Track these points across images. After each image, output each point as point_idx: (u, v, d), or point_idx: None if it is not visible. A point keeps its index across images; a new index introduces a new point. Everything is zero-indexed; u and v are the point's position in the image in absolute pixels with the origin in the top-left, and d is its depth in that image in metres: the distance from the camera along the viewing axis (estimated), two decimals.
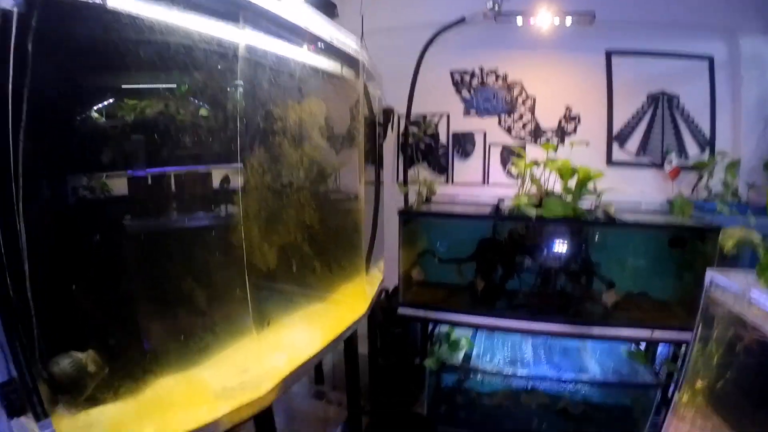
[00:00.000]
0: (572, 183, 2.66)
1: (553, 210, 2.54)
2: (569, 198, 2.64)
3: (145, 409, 1.48)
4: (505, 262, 2.88)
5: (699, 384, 2.20)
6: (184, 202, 1.73)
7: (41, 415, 1.16)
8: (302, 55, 2.07)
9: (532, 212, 2.51)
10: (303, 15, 1.96)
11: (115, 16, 1.38)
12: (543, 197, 2.69)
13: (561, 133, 3.38)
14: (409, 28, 3.42)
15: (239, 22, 1.65)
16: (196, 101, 1.66)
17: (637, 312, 2.75)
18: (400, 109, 3.41)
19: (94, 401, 1.39)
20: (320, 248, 2.19)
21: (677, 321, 2.61)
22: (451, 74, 3.51)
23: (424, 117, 3.56)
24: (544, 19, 3.11)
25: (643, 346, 3.04)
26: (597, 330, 2.64)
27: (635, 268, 2.90)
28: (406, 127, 3.43)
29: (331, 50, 2.23)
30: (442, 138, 3.57)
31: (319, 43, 2.11)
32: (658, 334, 2.59)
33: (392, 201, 3.40)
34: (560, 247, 2.77)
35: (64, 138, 1.45)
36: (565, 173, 2.62)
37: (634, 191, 3.14)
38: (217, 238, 1.71)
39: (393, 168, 3.70)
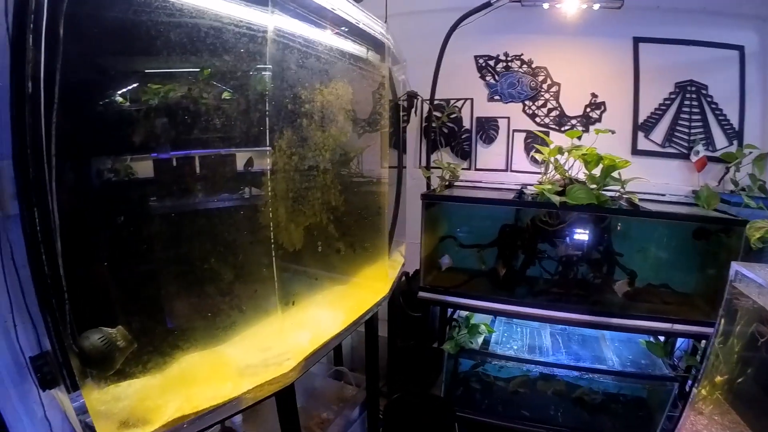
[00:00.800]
0: (596, 171, 2.65)
1: (577, 197, 2.54)
2: (593, 186, 2.64)
3: (170, 383, 1.53)
4: (526, 249, 2.89)
5: (718, 378, 2.20)
6: (215, 183, 1.76)
7: (72, 387, 1.22)
8: (329, 38, 2.09)
9: (556, 199, 2.51)
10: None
11: None
12: (567, 184, 2.68)
13: (586, 121, 3.35)
14: (433, 12, 3.40)
15: (268, 5, 1.66)
16: (225, 84, 1.69)
17: (658, 304, 2.74)
18: (424, 93, 3.40)
19: (122, 375, 1.44)
20: (344, 230, 2.22)
21: (698, 314, 2.60)
22: (476, 59, 3.49)
23: (448, 101, 3.55)
24: (572, 5, 3.07)
25: (662, 338, 3.03)
26: (616, 321, 2.64)
27: (657, 259, 2.89)
28: (429, 112, 3.42)
29: (357, 33, 2.24)
30: (466, 123, 3.56)
31: (346, 26, 2.12)
32: (678, 327, 2.58)
33: (415, 185, 3.42)
34: (582, 235, 2.77)
35: (97, 121, 1.49)
36: (590, 161, 2.61)
37: (658, 181, 3.11)
38: (246, 218, 1.75)
39: (416, 152, 3.70)
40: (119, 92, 1.52)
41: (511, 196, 2.98)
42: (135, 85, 1.51)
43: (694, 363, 2.74)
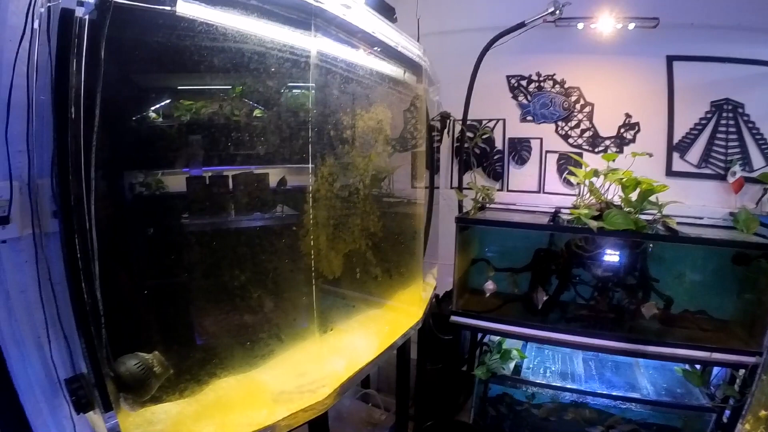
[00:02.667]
0: (633, 195, 2.64)
1: (615, 223, 2.52)
2: (629, 209, 2.62)
3: (205, 409, 1.55)
4: (561, 274, 2.87)
5: (763, 413, 2.17)
6: (255, 211, 1.79)
7: (105, 409, 1.24)
8: (369, 61, 2.11)
9: (594, 224, 2.50)
10: (370, 21, 2.00)
11: (188, 23, 1.45)
12: (603, 208, 2.67)
13: (620, 142, 3.33)
14: (466, 32, 3.44)
15: (311, 29, 1.69)
16: (269, 110, 1.71)
17: (694, 330, 2.71)
18: (456, 113, 3.42)
19: (156, 399, 1.46)
20: (382, 255, 2.23)
21: (737, 342, 2.56)
22: (508, 79, 3.51)
23: (480, 122, 3.57)
24: (606, 24, 3.08)
25: (698, 366, 2.99)
26: (652, 349, 2.59)
27: (694, 285, 2.85)
28: (462, 132, 3.43)
29: (395, 56, 2.27)
30: (498, 144, 3.57)
31: (385, 49, 2.15)
32: (717, 356, 2.53)
33: (446, 205, 3.43)
34: (618, 260, 2.75)
35: (141, 144, 1.52)
36: (628, 185, 2.59)
37: (694, 203, 3.09)
38: (287, 246, 1.76)
39: (447, 173, 3.72)
40: (163, 117, 1.56)
41: (545, 219, 2.97)
42: (169, 102, 1.57)
43: (732, 393, 2.69)
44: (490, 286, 2.99)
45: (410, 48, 2.33)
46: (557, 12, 2.78)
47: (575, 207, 2.80)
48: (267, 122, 1.70)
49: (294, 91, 1.77)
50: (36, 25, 1.41)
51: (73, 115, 1.12)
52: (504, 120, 3.55)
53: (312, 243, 1.73)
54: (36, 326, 1.43)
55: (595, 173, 2.76)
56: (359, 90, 2.04)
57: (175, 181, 1.62)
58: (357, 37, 1.98)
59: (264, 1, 1.57)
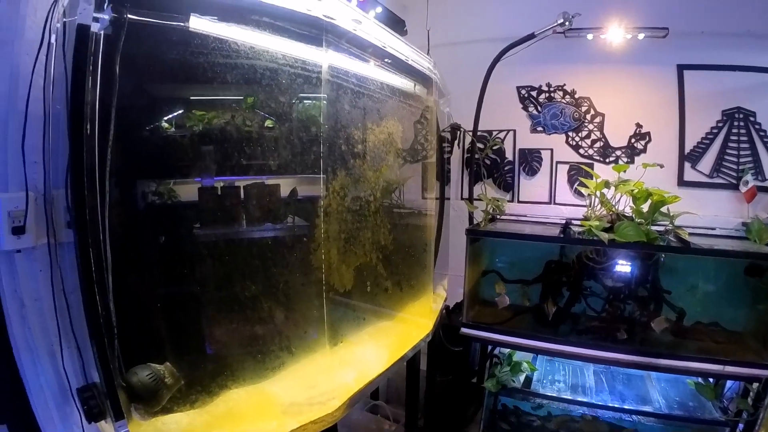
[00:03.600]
0: (645, 206, 2.63)
1: (627, 235, 2.52)
2: (641, 221, 2.61)
3: (215, 420, 1.56)
4: (572, 286, 2.87)
5: None
6: (266, 222, 1.81)
7: (116, 417, 1.26)
8: (380, 75, 2.13)
9: (605, 236, 2.50)
10: (380, 35, 2.02)
11: (202, 38, 1.47)
12: (614, 220, 2.67)
13: (630, 152, 3.34)
14: (476, 43, 3.47)
15: (322, 45, 1.71)
16: (281, 125, 1.73)
17: (707, 342, 2.69)
18: (466, 123, 3.43)
19: (167, 410, 1.47)
20: (392, 268, 2.24)
21: (751, 355, 2.54)
22: (518, 90, 3.53)
23: (490, 133, 3.58)
24: (616, 35, 3.09)
25: (711, 379, 2.97)
26: (665, 362, 2.57)
27: (707, 296, 2.84)
28: (472, 143, 3.44)
29: (406, 69, 2.29)
30: (508, 155, 3.59)
31: (396, 62, 2.17)
32: (730, 369, 2.51)
33: (456, 216, 3.44)
34: (630, 272, 2.75)
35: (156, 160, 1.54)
36: (639, 197, 2.59)
37: (706, 213, 3.07)
38: (298, 259, 1.78)
39: (458, 184, 3.75)
40: (176, 127, 1.58)
41: (556, 230, 2.97)
42: (181, 112, 1.59)
43: (745, 407, 2.67)
44: (503, 299, 2.99)
45: (420, 61, 2.35)
46: (567, 23, 2.80)
47: (586, 218, 2.79)
48: (279, 135, 1.72)
49: (305, 104, 1.79)
50: (53, 40, 1.45)
51: (88, 131, 1.15)
52: (514, 131, 3.57)
53: (323, 257, 1.74)
54: (49, 334, 1.45)
55: (606, 184, 2.76)
56: (370, 104, 2.06)
57: (188, 191, 1.65)
58: (368, 51, 2.00)
59: (275, 17, 1.59)
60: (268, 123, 1.73)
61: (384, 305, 2.29)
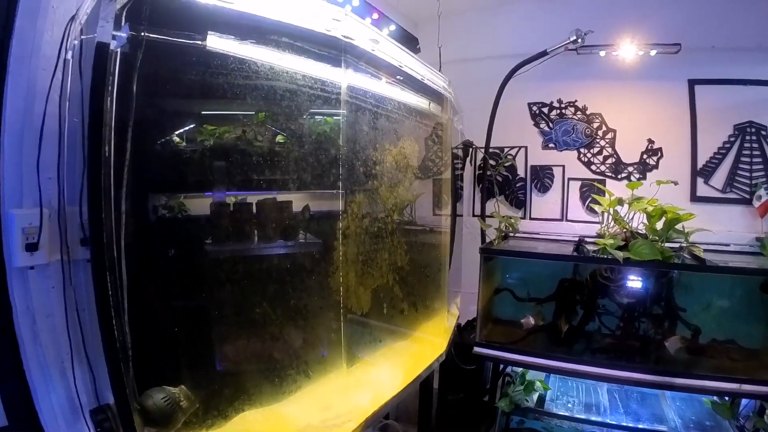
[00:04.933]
0: (659, 224, 2.63)
1: (641, 253, 2.51)
2: (654, 238, 2.61)
3: None
4: (586, 304, 2.86)
5: None
6: (281, 242, 1.81)
7: None
8: (396, 94, 2.14)
9: (620, 255, 2.49)
10: (397, 54, 2.03)
11: (220, 58, 1.49)
12: (628, 238, 2.66)
13: (642, 168, 3.34)
14: (487, 59, 3.50)
15: (341, 65, 1.73)
16: (300, 147, 1.74)
17: (723, 360, 2.67)
18: (477, 140, 3.45)
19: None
20: (409, 288, 2.24)
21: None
22: (529, 106, 3.55)
23: (501, 149, 3.59)
24: (628, 51, 3.10)
25: (728, 397, 2.94)
26: (680, 381, 2.55)
27: (722, 313, 2.82)
28: (484, 160, 3.45)
29: (421, 88, 2.30)
30: (520, 171, 3.60)
31: (411, 81, 2.18)
32: (747, 387, 2.49)
33: (468, 233, 3.44)
34: (644, 290, 2.74)
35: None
36: (654, 215, 2.59)
37: (720, 228, 3.05)
38: (317, 282, 1.78)
39: (469, 200, 3.75)
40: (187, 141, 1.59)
41: (568, 247, 2.97)
42: (193, 127, 1.60)
43: (762, 425, 2.65)
44: (528, 320, 2.97)
45: (435, 80, 2.36)
46: (579, 40, 2.81)
47: (600, 236, 2.79)
48: (295, 154, 1.73)
49: (321, 123, 1.80)
50: (69, 56, 1.46)
51: (107, 153, 1.15)
52: (526, 147, 3.58)
53: (341, 280, 1.74)
54: (60, 352, 1.46)
55: (620, 202, 2.76)
56: (387, 124, 2.07)
57: (202, 205, 1.66)
58: (384, 70, 2.01)
59: (295, 38, 1.60)
60: (280, 138, 1.73)
61: (399, 325, 2.29)
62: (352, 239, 1.81)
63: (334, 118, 1.77)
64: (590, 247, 2.86)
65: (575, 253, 2.85)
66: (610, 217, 2.81)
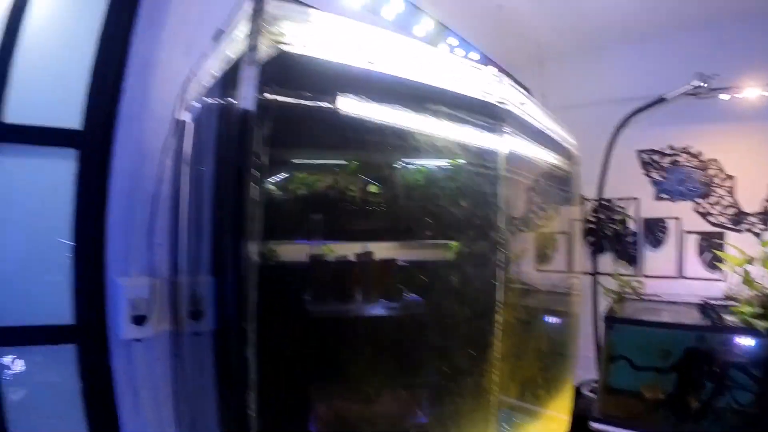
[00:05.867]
0: None
1: None
2: None
3: None
4: (715, 377, 2.58)
5: None
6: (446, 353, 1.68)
7: None
8: (537, 154, 2.01)
9: (761, 326, 2.23)
10: (537, 114, 1.88)
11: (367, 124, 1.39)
12: (766, 303, 2.39)
13: (766, 218, 3.03)
14: (590, 106, 3.29)
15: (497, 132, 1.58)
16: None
17: None
18: (584, 190, 3.23)
19: None
20: (548, 374, 2.06)
21: None
22: (639, 154, 3.31)
23: (609, 201, 3.38)
24: (752, 93, 2.85)
25: None
26: None
27: None
28: (594, 213, 3.24)
29: (553, 147, 2.15)
30: (630, 224, 3.35)
31: (546, 140, 2.03)
32: None
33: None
34: None
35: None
36: None
37: None
38: (473, 383, 1.62)
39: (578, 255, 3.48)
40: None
41: (692, 312, 2.71)
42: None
43: None
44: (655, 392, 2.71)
45: (566, 137, 2.22)
46: (703, 84, 2.59)
47: (729, 298, 2.53)
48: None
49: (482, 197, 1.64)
50: (187, 118, 1.39)
51: (242, 227, 1.03)
52: (636, 198, 3.33)
53: (495, 377, 1.57)
54: (163, 423, 1.42)
55: (750, 260, 2.49)
56: (538, 191, 1.93)
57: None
58: (533, 135, 1.87)
59: (455, 107, 1.48)
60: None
61: (532, 404, 2.10)
62: (508, 333, 1.64)
63: (492, 195, 1.60)
64: (725, 316, 2.57)
65: (705, 319, 2.58)
66: (735, 275, 2.54)
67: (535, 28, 3.04)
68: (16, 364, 1.30)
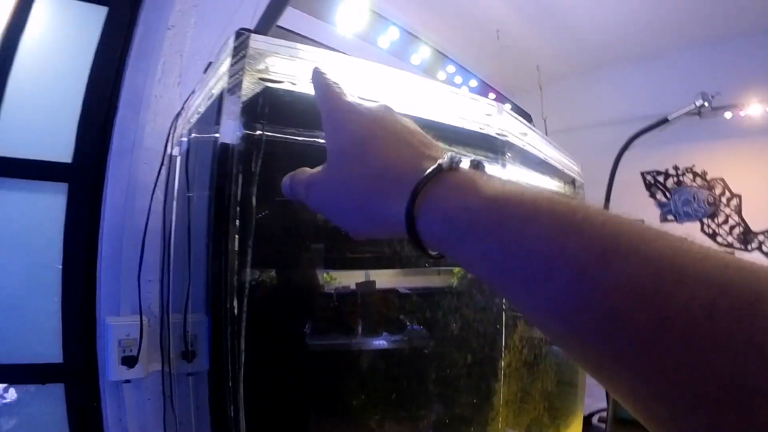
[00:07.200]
0: None
1: None
2: None
3: None
4: None
5: None
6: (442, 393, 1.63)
7: None
8: (546, 185, 1.97)
9: None
10: (539, 144, 1.84)
11: None
12: None
13: None
14: (590, 128, 3.28)
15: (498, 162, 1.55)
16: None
17: None
18: None
19: None
20: (555, 414, 2.00)
21: None
22: (642, 176, 3.28)
23: None
24: (755, 110, 2.83)
25: None
26: None
27: None
28: None
29: (560, 175, 2.12)
30: None
31: (550, 169, 2.00)
32: None
33: None
34: None
35: None
36: None
37: None
38: (479, 416, 1.57)
39: None
40: None
41: None
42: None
43: None
44: None
45: (570, 165, 2.18)
46: (706, 104, 2.56)
47: None
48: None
49: None
50: (175, 152, 1.37)
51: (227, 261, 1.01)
52: (642, 221, 3.26)
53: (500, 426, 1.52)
54: None
55: None
56: None
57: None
58: (531, 163, 1.84)
59: (453, 142, 1.45)
60: None
61: None
62: (514, 376, 1.59)
63: None
64: None
65: None
66: None
67: (534, 51, 3.04)
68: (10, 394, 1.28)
